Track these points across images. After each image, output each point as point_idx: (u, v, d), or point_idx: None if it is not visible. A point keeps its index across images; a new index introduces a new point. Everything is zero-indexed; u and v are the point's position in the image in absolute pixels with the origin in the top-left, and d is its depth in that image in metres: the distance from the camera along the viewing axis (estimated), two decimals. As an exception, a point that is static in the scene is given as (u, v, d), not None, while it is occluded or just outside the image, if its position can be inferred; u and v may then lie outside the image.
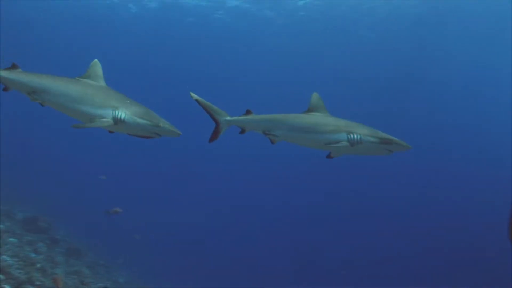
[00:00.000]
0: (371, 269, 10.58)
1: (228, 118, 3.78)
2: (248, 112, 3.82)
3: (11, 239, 6.22)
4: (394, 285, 9.46)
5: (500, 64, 16.26)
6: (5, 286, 4.49)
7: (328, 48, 17.07)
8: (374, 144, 3.34)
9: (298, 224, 13.61)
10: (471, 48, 16.00)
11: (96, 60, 3.62)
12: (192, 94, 3.77)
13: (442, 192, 13.60)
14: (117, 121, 3.20)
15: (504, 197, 8.06)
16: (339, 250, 11.82)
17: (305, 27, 15.87)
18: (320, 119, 3.61)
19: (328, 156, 3.66)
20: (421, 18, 14.14)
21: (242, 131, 3.85)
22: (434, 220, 12.17)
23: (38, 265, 5.48)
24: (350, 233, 12.71)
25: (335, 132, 3.43)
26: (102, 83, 3.56)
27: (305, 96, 3.81)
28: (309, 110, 3.73)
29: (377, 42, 16.28)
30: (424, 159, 14.23)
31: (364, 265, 10.77)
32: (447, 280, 9.60)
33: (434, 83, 18.49)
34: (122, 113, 3.20)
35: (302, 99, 4.01)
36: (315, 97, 3.73)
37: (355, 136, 3.33)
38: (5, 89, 3.59)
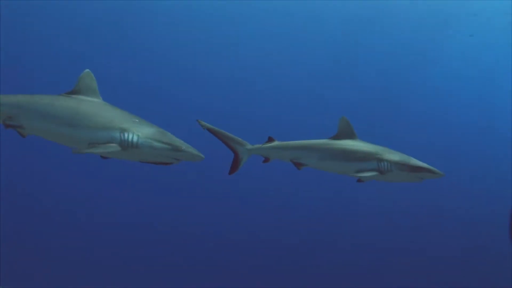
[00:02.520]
0: (370, 269, 10.58)
1: (249, 147, 3.60)
2: (270, 140, 3.64)
3: None
4: (392, 285, 9.46)
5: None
6: None
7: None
8: (405, 173, 3.28)
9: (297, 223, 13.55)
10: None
11: (87, 70, 2.86)
12: (201, 122, 3.47)
13: (442, 191, 13.59)
14: (127, 145, 2.52)
15: (504, 198, 8.08)
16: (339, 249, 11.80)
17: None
18: (349, 146, 3.49)
19: (359, 180, 3.52)
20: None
21: (266, 160, 3.67)
22: (433, 220, 12.16)
23: None
24: (350, 232, 12.68)
25: (365, 160, 3.35)
26: (98, 98, 2.83)
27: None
28: (338, 135, 3.58)
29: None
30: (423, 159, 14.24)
31: (363, 265, 10.76)
32: (447, 280, 9.59)
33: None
34: (133, 136, 2.52)
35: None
36: (343, 121, 3.59)
37: (385, 164, 3.28)
38: None
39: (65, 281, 9.20)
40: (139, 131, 2.54)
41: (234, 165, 3.58)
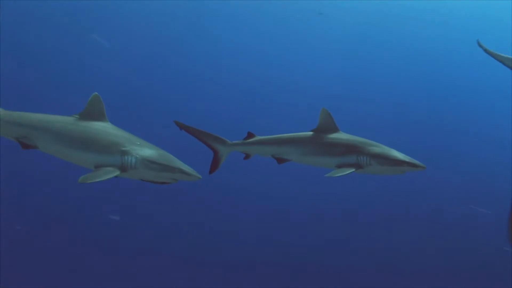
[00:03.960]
0: (370, 271, 10.57)
1: (229, 144, 3.55)
2: (250, 135, 3.60)
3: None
4: (392, 286, 9.44)
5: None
6: None
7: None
8: (385, 167, 3.26)
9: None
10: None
11: (95, 93, 3.05)
12: (178, 123, 3.44)
13: (441, 190, 13.60)
14: (127, 167, 2.72)
15: (503, 198, 8.05)
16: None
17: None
18: (329, 139, 3.47)
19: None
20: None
21: (247, 157, 3.62)
22: (432, 220, 12.16)
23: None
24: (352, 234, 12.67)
25: (344, 154, 3.33)
26: (105, 121, 3.03)
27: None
28: (319, 128, 3.56)
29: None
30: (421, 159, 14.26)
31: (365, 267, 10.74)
32: (446, 280, 9.59)
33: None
34: (132, 158, 2.72)
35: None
36: (324, 112, 3.55)
37: (364, 158, 3.26)
38: None
39: (65, 281, 9.31)
40: (138, 153, 2.74)
41: (214, 164, 3.56)
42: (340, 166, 3.30)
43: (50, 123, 2.94)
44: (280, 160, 3.52)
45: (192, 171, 2.81)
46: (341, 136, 3.50)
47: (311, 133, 3.57)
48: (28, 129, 2.89)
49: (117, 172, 2.69)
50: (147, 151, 2.80)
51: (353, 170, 3.21)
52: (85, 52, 15.02)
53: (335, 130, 3.53)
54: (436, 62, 17.40)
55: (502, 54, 3.18)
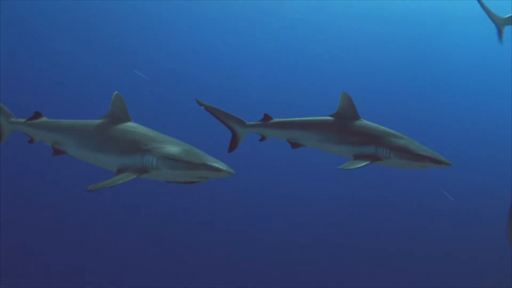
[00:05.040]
0: (368, 268, 10.54)
1: (246, 125, 3.44)
2: (266, 118, 3.45)
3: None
4: (390, 285, 9.43)
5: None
6: None
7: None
8: (404, 160, 3.02)
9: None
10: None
11: (116, 92, 2.95)
12: (199, 102, 3.37)
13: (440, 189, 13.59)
14: (148, 168, 2.47)
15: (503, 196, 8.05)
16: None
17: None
18: (349, 127, 3.23)
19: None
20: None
21: (262, 139, 3.49)
22: (431, 219, 12.15)
23: None
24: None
25: (362, 144, 3.10)
26: (129, 121, 2.89)
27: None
28: (338, 113, 3.32)
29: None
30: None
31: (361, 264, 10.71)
32: (445, 280, 9.59)
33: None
34: (152, 158, 2.46)
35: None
36: (344, 97, 3.29)
37: (383, 150, 3.02)
38: (30, 142, 3.19)
39: (65, 281, 9.02)
40: (159, 152, 2.48)
41: (233, 144, 3.47)
42: (357, 156, 3.08)
43: (76, 127, 2.94)
44: (294, 145, 3.36)
45: (222, 165, 2.45)
46: (361, 123, 3.25)
47: (330, 118, 3.34)
48: (57, 135, 2.97)
49: (133, 176, 2.43)
50: (170, 148, 2.50)
51: (369, 162, 2.98)
52: (86, 52, 15.04)
53: (356, 116, 3.27)
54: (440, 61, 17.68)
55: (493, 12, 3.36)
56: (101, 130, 2.82)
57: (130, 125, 2.84)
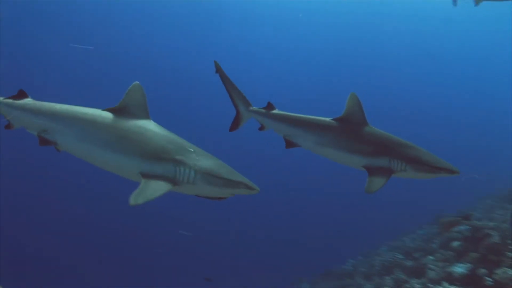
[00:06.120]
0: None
1: (250, 109, 3.25)
2: (269, 106, 3.21)
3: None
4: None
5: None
6: None
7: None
8: (421, 173, 2.78)
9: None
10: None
11: (136, 82, 2.41)
12: (217, 65, 3.11)
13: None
14: (182, 181, 2.13)
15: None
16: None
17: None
18: (357, 133, 2.89)
19: (367, 191, 2.83)
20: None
21: (262, 128, 3.25)
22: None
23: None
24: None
25: (374, 155, 2.79)
26: (147, 118, 2.40)
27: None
28: (344, 116, 2.96)
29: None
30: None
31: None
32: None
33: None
34: (190, 171, 2.13)
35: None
36: (352, 99, 2.94)
37: (399, 163, 2.74)
38: (7, 126, 2.55)
39: (65, 281, 9.17)
40: (196, 165, 2.15)
41: (234, 124, 3.27)
42: (368, 167, 2.79)
43: (75, 115, 2.35)
44: (289, 144, 3.05)
45: (252, 183, 2.25)
46: (370, 131, 2.91)
47: (335, 121, 2.99)
48: (47, 120, 2.35)
49: (169, 187, 2.09)
50: (206, 162, 2.21)
51: (387, 179, 2.70)
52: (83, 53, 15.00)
53: (363, 122, 2.93)
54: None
55: None
56: (116, 124, 2.30)
57: (152, 124, 2.39)
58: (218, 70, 3.14)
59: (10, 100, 2.54)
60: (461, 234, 5.65)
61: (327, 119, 3.01)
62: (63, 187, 13.62)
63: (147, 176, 2.09)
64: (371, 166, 2.76)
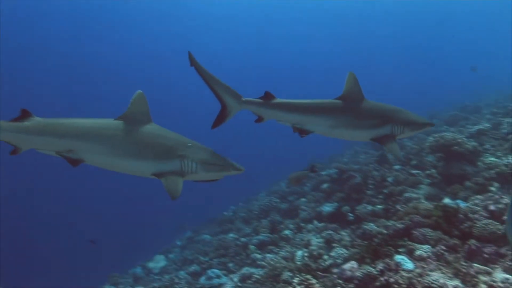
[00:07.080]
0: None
1: (242, 100, 2.91)
2: (268, 96, 2.98)
3: None
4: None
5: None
6: None
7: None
8: (414, 131, 3.14)
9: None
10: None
11: (139, 91, 2.65)
12: (192, 57, 2.79)
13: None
14: (187, 173, 2.53)
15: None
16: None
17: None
18: (362, 109, 3.03)
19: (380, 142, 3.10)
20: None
21: (259, 119, 3.02)
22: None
23: None
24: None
25: (380, 125, 3.00)
26: (151, 123, 2.67)
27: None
28: (344, 95, 3.04)
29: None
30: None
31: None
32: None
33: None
34: (192, 163, 2.54)
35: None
36: (351, 78, 3.02)
37: (398, 127, 3.02)
38: (14, 152, 2.56)
39: (64, 281, 9.01)
40: (195, 157, 2.54)
41: (219, 119, 2.90)
42: (375, 138, 3.01)
43: (96, 132, 2.53)
44: (302, 132, 3.00)
45: (238, 165, 2.65)
46: (370, 105, 3.08)
47: (339, 101, 3.05)
48: (73, 141, 2.49)
49: (180, 181, 2.49)
50: (202, 153, 2.59)
51: (398, 144, 3.02)
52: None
53: (362, 98, 3.06)
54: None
55: None
56: (129, 133, 2.57)
57: (156, 127, 2.67)
58: (193, 62, 2.78)
59: (16, 124, 2.47)
60: (330, 176, 6.17)
61: (331, 100, 3.06)
62: (63, 187, 13.16)
63: (160, 175, 2.49)
64: (378, 136, 3.00)
